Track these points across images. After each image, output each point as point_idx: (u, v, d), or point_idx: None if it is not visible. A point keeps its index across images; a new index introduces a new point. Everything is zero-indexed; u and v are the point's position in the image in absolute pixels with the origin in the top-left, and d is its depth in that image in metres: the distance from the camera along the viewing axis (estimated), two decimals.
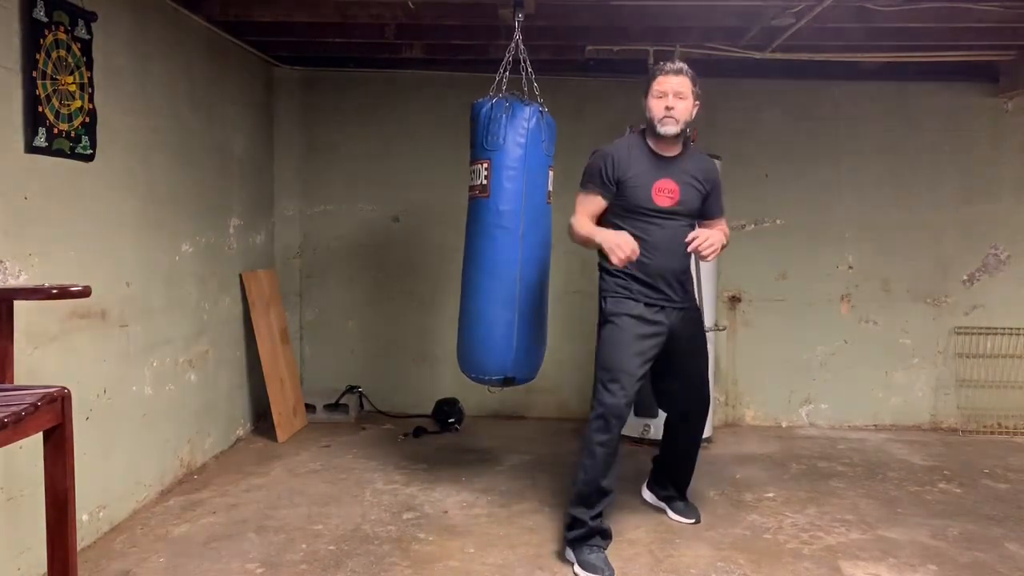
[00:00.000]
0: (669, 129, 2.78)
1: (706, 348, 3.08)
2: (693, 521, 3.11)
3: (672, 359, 2.92)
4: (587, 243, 2.80)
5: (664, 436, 3.22)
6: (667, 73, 2.78)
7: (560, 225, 3.11)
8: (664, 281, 2.83)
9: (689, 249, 2.75)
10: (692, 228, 2.88)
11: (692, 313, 2.98)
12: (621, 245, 2.61)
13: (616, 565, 2.67)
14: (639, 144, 2.89)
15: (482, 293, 3.11)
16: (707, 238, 2.71)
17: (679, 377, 2.99)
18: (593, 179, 2.87)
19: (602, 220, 2.88)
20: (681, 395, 3.04)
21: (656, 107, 2.78)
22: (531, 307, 3.14)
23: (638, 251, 2.64)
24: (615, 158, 2.85)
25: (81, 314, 2.76)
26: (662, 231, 2.81)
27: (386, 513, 3.16)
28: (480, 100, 3.15)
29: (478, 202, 3.13)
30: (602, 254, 2.80)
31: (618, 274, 2.83)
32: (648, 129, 2.86)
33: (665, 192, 2.81)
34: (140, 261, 3.17)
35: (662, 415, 3.33)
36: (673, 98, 2.76)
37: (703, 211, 2.94)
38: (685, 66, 2.80)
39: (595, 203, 2.86)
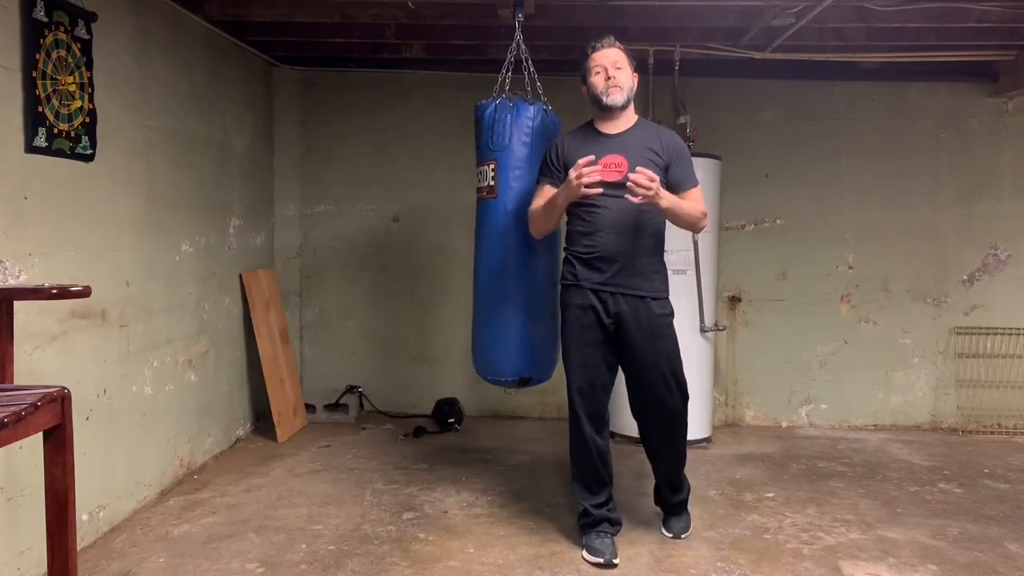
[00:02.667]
0: (616, 98, 2.74)
1: (669, 347, 2.77)
2: (671, 536, 2.94)
3: (625, 351, 2.77)
4: (551, 212, 2.76)
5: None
6: (599, 49, 2.77)
7: None
8: (613, 264, 2.71)
9: (628, 184, 2.52)
10: (650, 207, 2.63)
11: (653, 306, 2.73)
12: (576, 175, 2.55)
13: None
14: (587, 127, 2.87)
15: (494, 294, 3.07)
16: (644, 177, 2.49)
17: (633, 375, 2.81)
18: (542, 171, 2.88)
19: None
20: (636, 399, 2.86)
21: (597, 82, 2.76)
22: (543, 306, 3.09)
23: (591, 157, 2.57)
24: (559, 144, 2.86)
25: (81, 314, 2.76)
26: (609, 210, 2.67)
27: (386, 513, 3.16)
28: (484, 101, 3.12)
29: (486, 203, 3.08)
30: (567, 239, 2.83)
31: (570, 259, 2.81)
32: (596, 108, 2.81)
33: (612, 167, 2.66)
34: (140, 261, 3.17)
35: None
36: (612, 69, 2.74)
37: (669, 183, 2.73)
38: (614, 39, 2.79)
39: (546, 194, 2.81)
